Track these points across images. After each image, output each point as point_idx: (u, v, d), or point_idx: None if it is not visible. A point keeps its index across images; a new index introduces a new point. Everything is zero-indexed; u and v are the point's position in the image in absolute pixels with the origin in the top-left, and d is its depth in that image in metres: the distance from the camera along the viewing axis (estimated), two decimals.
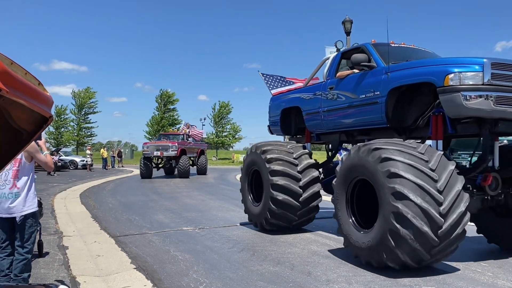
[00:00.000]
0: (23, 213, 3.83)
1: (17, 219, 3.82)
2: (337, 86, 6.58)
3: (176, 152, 21.25)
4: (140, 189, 16.01)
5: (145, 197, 12.89)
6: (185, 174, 21.11)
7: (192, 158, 23.38)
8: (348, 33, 17.37)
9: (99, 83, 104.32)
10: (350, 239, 5.10)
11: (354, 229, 5.10)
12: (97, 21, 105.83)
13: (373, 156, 4.65)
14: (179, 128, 33.54)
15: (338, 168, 5.44)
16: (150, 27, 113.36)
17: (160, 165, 22.84)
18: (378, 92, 5.63)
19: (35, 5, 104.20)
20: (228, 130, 58.17)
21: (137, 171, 23.69)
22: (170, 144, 21.47)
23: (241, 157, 47.49)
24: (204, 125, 52.19)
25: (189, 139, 24.18)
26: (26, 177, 3.89)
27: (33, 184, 3.99)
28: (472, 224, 5.73)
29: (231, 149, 64.66)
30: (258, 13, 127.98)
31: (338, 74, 6.66)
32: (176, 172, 21.94)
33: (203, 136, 27.78)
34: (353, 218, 5.21)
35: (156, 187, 16.39)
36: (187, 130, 25.27)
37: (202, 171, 24.26)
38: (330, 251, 5.84)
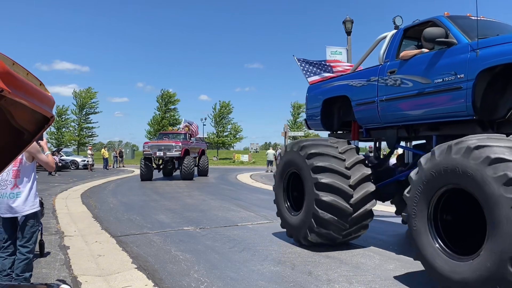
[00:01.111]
0: (25, 213, 3.85)
1: (19, 219, 3.85)
2: (400, 69, 5.43)
3: (180, 152, 19.71)
4: (141, 189, 16.01)
5: (146, 197, 12.90)
6: (189, 176, 19.60)
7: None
8: (348, 33, 17.37)
9: (101, 83, 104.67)
10: (437, 268, 3.84)
11: (442, 255, 3.84)
12: (99, 21, 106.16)
13: (477, 157, 3.46)
14: (178, 128, 33.01)
15: (412, 175, 4.22)
16: (152, 27, 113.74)
17: (161, 166, 21.53)
18: (462, 75, 4.51)
19: (36, 5, 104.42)
20: (229, 130, 58.29)
21: (138, 171, 22.91)
22: (173, 144, 19.82)
23: (241, 157, 47.60)
24: (205, 125, 52.40)
25: (191, 138, 22.84)
26: (28, 177, 3.90)
27: (35, 184, 4.00)
28: None
29: (232, 149, 64.73)
30: (259, 13, 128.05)
31: (402, 54, 5.49)
32: (176, 173, 20.97)
33: (198, 135, 26.61)
34: (440, 242, 3.94)
35: (157, 187, 16.40)
36: (188, 130, 23.67)
37: (203, 172, 23.09)
38: (330, 250, 5.83)
